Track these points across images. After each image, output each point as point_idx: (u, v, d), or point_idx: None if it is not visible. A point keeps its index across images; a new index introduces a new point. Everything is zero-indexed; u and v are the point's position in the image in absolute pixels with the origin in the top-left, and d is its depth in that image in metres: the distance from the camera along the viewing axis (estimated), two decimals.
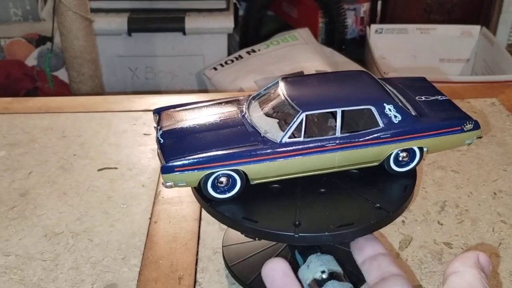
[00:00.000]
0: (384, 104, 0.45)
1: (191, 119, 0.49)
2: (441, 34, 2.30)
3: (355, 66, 2.06)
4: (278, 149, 0.43)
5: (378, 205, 0.44)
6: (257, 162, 0.43)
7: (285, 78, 0.49)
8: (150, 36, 1.99)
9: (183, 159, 0.43)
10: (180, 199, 0.65)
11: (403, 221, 0.62)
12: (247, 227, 0.43)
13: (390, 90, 0.50)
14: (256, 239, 0.44)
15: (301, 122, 0.43)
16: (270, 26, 2.46)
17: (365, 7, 2.44)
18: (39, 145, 0.77)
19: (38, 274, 0.55)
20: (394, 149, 0.46)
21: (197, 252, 0.58)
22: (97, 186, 0.68)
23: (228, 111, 0.49)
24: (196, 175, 0.43)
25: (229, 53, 2.02)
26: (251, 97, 0.51)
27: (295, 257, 0.45)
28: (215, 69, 1.88)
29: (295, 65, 1.77)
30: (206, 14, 1.98)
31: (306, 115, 0.44)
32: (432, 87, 0.54)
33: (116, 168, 0.72)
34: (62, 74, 1.90)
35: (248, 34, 2.31)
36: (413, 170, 0.48)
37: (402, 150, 0.46)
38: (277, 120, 0.46)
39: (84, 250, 0.58)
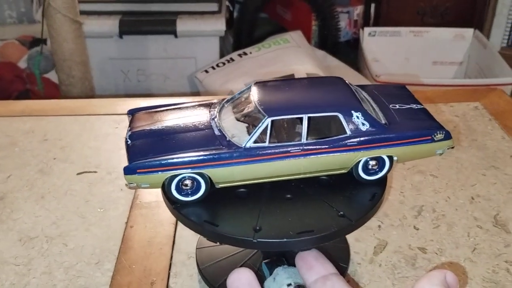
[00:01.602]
0: (352, 112, 0.45)
1: (161, 121, 0.49)
2: (434, 37, 2.31)
3: (347, 69, 2.06)
4: (242, 154, 0.43)
5: (342, 213, 0.43)
6: (221, 166, 0.43)
7: (258, 83, 0.49)
8: (142, 39, 1.99)
9: (146, 160, 0.43)
10: (157, 204, 0.65)
11: (379, 226, 0.62)
12: (208, 230, 0.43)
13: (364, 97, 0.50)
14: (218, 243, 0.44)
15: (266, 127, 0.43)
16: (264, 29, 2.47)
17: (358, 10, 2.45)
18: (20, 149, 0.77)
19: (11, 279, 0.55)
20: (361, 157, 0.46)
21: (172, 256, 0.58)
22: (75, 190, 0.68)
23: (199, 114, 0.49)
24: (159, 177, 0.43)
25: (223, 56, 2.02)
26: (224, 100, 0.51)
27: (262, 268, 0.45)
28: (207, 71, 1.88)
29: (286, 68, 1.77)
30: (197, 17, 1.98)
31: (272, 120, 0.44)
32: (410, 95, 0.53)
33: (95, 172, 0.72)
34: (54, 76, 1.90)
35: (242, 36, 2.31)
36: (383, 179, 0.48)
37: (371, 158, 0.46)
38: (246, 125, 0.46)
39: (58, 254, 0.58)
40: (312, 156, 0.44)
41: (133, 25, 1.96)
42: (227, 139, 0.44)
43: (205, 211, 0.45)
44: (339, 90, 0.48)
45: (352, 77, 1.99)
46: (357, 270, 0.56)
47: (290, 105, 0.45)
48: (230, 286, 0.38)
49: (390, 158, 0.47)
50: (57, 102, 0.94)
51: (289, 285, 0.40)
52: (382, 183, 0.48)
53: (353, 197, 0.46)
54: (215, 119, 0.47)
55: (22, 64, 2.03)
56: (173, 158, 0.43)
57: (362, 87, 0.52)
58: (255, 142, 0.44)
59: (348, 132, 0.45)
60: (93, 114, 0.87)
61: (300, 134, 0.45)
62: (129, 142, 0.46)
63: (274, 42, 1.95)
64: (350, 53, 2.44)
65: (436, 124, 0.48)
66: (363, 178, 0.47)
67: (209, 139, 0.45)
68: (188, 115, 0.49)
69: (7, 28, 2.57)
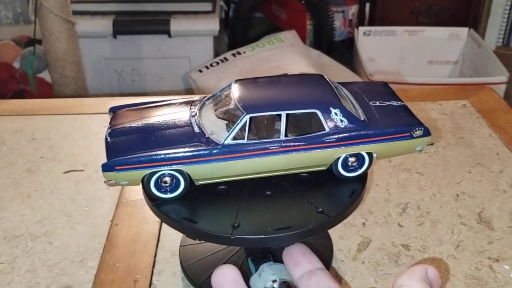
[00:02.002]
0: (330, 108, 0.45)
1: (141, 118, 0.49)
2: (429, 36, 2.31)
3: (342, 69, 2.07)
4: (221, 151, 0.43)
5: (321, 209, 0.44)
6: (199, 163, 0.43)
7: (239, 80, 0.49)
8: (136, 39, 1.99)
9: (124, 158, 0.43)
10: (143, 202, 0.65)
11: (363, 223, 0.62)
12: (187, 227, 0.43)
13: (344, 94, 0.50)
14: (197, 240, 0.44)
15: (244, 124, 0.44)
16: (259, 28, 2.47)
17: (353, 9, 2.45)
18: (7, 148, 0.77)
19: None
20: (340, 153, 0.46)
21: (156, 254, 0.58)
22: (62, 189, 0.68)
23: (179, 111, 0.49)
24: (137, 174, 0.44)
25: (217, 55, 2.02)
26: (205, 98, 0.51)
27: (248, 264, 0.45)
28: (201, 71, 1.88)
29: (280, 68, 1.77)
30: (191, 17, 1.98)
31: (251, 117, 0.44)
32: (391, 92, 0.53)
33: (82, 170, 0.72)
34: (47, 76, 1.90)
35: (237, 36, 2.31)
36: (363, 175, 0.48)
37: (351, 155, 0.46)
38: (226, 122, 0.46)
39: (42, 253, 0.58)
40: (291, 153, 0.45)
41: (127, 25, 1.97)
42: (206, 136, 0.45)
43: (184, 208, 0.45)
44: (319, 87, 0.48)
45: (346, 76, 1.99)
46: (340, 267, 0.56)
47: (268, 102, 0.46)
48: (215, 283, 0.38)
49: (370, 154, 0.47)
50: (47, 101, 0.94)
51: (274, 281, 0.40)
52: (362, 179, 0.48)
53: (333, 194, 0.46)
54: (195, 117, 0.47)
55: (17, 64, 2.03)
56: (151, 155, 0.43)
57: (343, 84, 0.53)
58: (234, 139, 0.44)
59: (327, 129, 0.45)
60: (83, 113, 0.87)
61: (279, 131, 0.45)
62: (109, 139, 0.46)
63: (268, 42, 1.95)
64: (345, 52, 2.44)
65: (415, 121, 0.48)
66: (342, 175, 0.47)
67: (188, 136, 0.45)
68: (168, 112, 0.49)
69: (3, 28, 2.57)
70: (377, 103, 0.50)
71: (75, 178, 0.71)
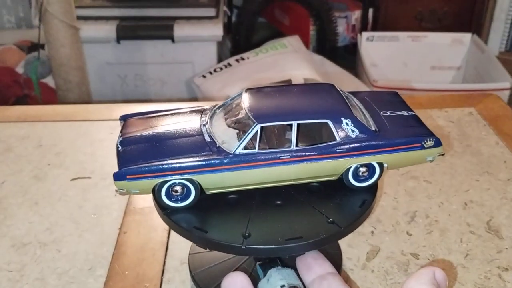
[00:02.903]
0: (342, 118, 0.45)
1: (152, 127, 0.49)
2: (432, 42, 2.31)
3: (345, 74, 2.07)
4: (232, 160, 0.43)
5: (331, 219, 0.43)
6: (210, 172, 0.43)
7: (249, 89, 0.49)
8: (139, 44, 2.00)
9: (135, 167, 0.43)
10: (151, 210, 0.65)
11: (372, 232, 0.62)
12: (197, 236, 0.43)
13: (355, 104, 0.50)
14: (208, 249, 0.44)
15: (255, 134, 0.44)
16: (262, 33, 2.47)
17: (356, 14, 2.45)
18: (14, 154, 0.77)
19: (3, 285, 0.55)
20: (351, 163, 0.46)
21: (164, 262, 0.58)
22: (69, 196, 0.68)
23: (190, 120, 0.49)
24: (148, 183, 0.44)
25: (220, 61, 2.03)
26: (216, 107, 0.51)
27: (256, 269, 0.45)
28: (204, 77, 1.88)
29: (283, 73, 1.77)
30: (195, 22, 1.98)
31: (262, 127, 0.44)
32: (401, 102, 0.53)
33: (89, 177, 0.72)
34: (51, 81, 1.90)
35: (240, 41, 2.32)
36: (374, 186, 0.48)
37: (362, 165, 0.46)
38: (237, 131, 0.46)
39: (51, 260, 0.58)
40: (302, 163, 0.44)
41: (130, 30, 1.97)
42: (217, 145, 0.45)
43: (195, 217, 0.45)
44: (330, 97, 0.48)
45: (350, 82, 1.99)
46: (349, 276, 0.56)
47: (279, 112, 0.46)
48: None
49: (381, 165, 0.47)
50: (52, 107, 0.94)
51: (282, 286, 0.40)
52: (372, 189, 0.48)
53: (343, 204, 0.46)
54: (206, 125, 0.47)
55: (20, 69, 2.03)
56: (162, 165, 0.43)
57: (354, 93, 0.52)
58: (245, 148, 0.44)
59: (338, 139, 0.45)
60: (89, 120, 0.87)
61: (290, 141, 0.45)
62: (120, 148, 0.46)
63: (272, 47, 1.95)
64: (348, 58, 2.44)
65: (426, 131, 0.48)
66: (353, 185, 0.47)
67: (199, 145, 0.45)
68: (179, 121, 0.49)
69: (6, 33, 2.58)
70: (388, 113, 0.50)
71: (82, 186, 0.71)
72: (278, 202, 0.46)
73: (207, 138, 0.46)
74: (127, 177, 0.43)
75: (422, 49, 2.32)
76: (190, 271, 0.54)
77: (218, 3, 2.08)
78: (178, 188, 0.44)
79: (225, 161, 0.43)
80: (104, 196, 0.69)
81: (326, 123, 0.45)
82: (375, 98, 0.53)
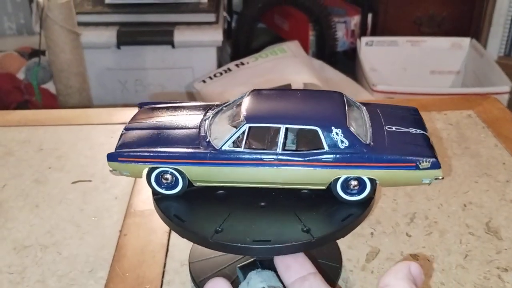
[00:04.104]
0: (332, 127, 0.44)
1: (159, 116, 0.51)
2: (431, 46, 2.32)
3: (345, 79, 2.07)
4: (216, 156, 0.45)
5: (307, 228, 0.43)
6: (195, 165, 0.45)
7: (256, 90, 0.50)
8: (139, 49, 2.00)
9: (127, 150, 0.46)
10: (151, 212, 0.66)
11: (371, 233, 0.62)
12: (175, 224, 0.44)
13: (360, 115, 0.48)
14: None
15: (243, 133, 0.44)
16: (262, 39, 2.48)
17: (355, 19, 2.46)
18: (15, 158, 0.77)
19: None
20: (339, 175, 0.45)
21: (165, 264, 0.58)
22: (70, 199, 0.69)
23: (196, 114, 0.50)
24: (138, 168, 0.46)
25: (220, 66, 2.03)
26: (224, 104, 0.51)
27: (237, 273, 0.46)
28: (204, 81, 1.89)
29: (283, 78, 1.78)
30: (195, 28, 1.99)
31: (251, 127, 0.45)
32: (416, 119, 0.50)
33: (90, 181, 0.72)
34: (52, 87, 1.91)
35: (240, 46, 2.32)
36: (366, 201, 0.46)
37: (353, 179, 0.45)
38: (233, 129, 0.47)
39: (52, 263, 0.58)
40: (287, 167, 0.44)
41: (130, 35, 1.98)
42: (208, 139, 0.46)
43: (179, 206, 0.47)
44: (331, 105, 0.47)
45: (349, 86, 2.00)
46: (349, 277, 0.56)
47: (270, 114, 0.46)
48: None
49: (372, 180, 0.45)
50: (53, 112, 0.95)
51: None
52: (364, 205, 0.46)
53: (327, 215, 0.45)
54: (207, 120, 0.49)
55: (21, 75, 2.04)
56: (152, 152, 0.46)
57: (367, 105, 0.51)
58: (234, 146, 0.45)
59: (326, 148, 0.44)
60: (89, 124, 0.88)
61: (280, 144, 0.45)
62: (123, 132, 0.49)
63: (271, 52, 1.96)
64: (348, 62, 2.45)
65: (426, 152, 0.45)
66: (342, 197, 0.46)
67: (191, 138, 0.47)
68: (185, 113, 0.51)
69: (7, 39, 2.59)
70: (393, 128, 0.48)
71: (83, 189, 0.71)
72: (263, 203, 0.46)
73: (202, 132, 0.47)
74: (119, 159, 0.46)
75: (421, 53, 2.33)
76: (194, 280, 0.54)
77: (218, 8, 2.09)
78: (168, 176, 0.46)
79: (209, 155, 0.45)
80: (105, 199, 0.69)
81: (316, 131, 0.44)
82: (388, 112, 0.51)
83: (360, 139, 0.44)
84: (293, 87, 1.74)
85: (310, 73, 1.85)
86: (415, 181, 0.45)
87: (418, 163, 0.44)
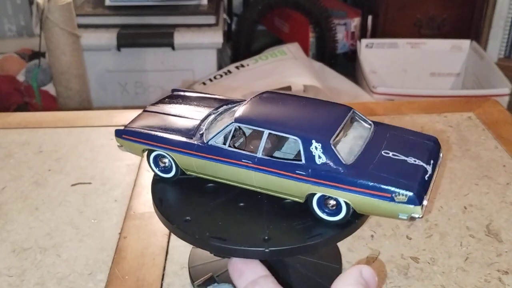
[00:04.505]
0: (313, 141, 0.42)
1: (179, 104, 0.53)
2: (431, 49, 2.32)
3: (345, 81, 2.07)
4: (200, 148, 0.46)
5: (267, 237, 0.42)
6: (184, 154, 0.47)
7: (267, 92, 0.50)
8: (140, 51, 2.00)
9: (132, 129, 0.49)
10: (150, 214, 0.66)
11: (372, 236, 0.62)
12: (156, 206, 0.47)
13: (357, 134, 0.46)
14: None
15: (230, 131, 0.45)
16: (262, 41, 2.48)
17: (355, 22, 2.46)
18: (15, 160, 0.77)
19: None
20: (313, 190, 0.43)
21: (164, 267, 0.58)
22: (69, 201, 0.69)
23: (210, 106, 0.52)
24: (136, 147, 0.50)
25: (220, 68, 2.03)
26: (241, 101, 0.52)
27: None
28: (204, 84, 1.89)
29: (283, 80, 1.78)
30: (195, 30, 1.99)
31: (237, 126, 0.46)
32: (429, 149, 0.46)
33: (90, 183, 0.72)
34: (52, 89, 1.90)
35: (240, 49, 2.32)
36: (344, 225, 0.43)
37: (331, 198, 0.43)
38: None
39: (51, 265, 0.58)
40: (263, 173, 0.44)
41: (130, 38, 1.98)
42: (201, 132, 0.47)
43: (166, 190, 0.49)
44: (326, 118, 0.45)
45: (349, 89, 2.00)
46: None
47: (258, 118, 0.45)
48: None
49: (348, 204, 0.43)
50: (53, 114, 0.95)
51: None
52: (339, 227, 0.44)
53: (297, 229, 0.44)
54: (214, 115, 0.49)
55: (21, 77, 2.04)
56: (149, 135, 0.48)
57: (380, 124, 0.48)
58: (222, 143, 0.45)
59: (303, 161, 0.43)
60: (89, 126, 0.88)
61: (265, 148, 0.45)
62: (141, 113, 0.52)
63: (271, 54, 1.96)
64: (348, 65, 2.45)
65: (407, 185, 0.41)
66: (317, 215, 0.44)
67: (189, 128, 0.48)
68: (201, 105, 0.52)
69: (7, 41, 2.59)
70: (390, 154, 0.44)
71: (82, 191, 0.71)
72: (242, 204, 0.46)
73: (201, 125, 0.48)
74: (123, 136, 0.50)
75: (421, 55, 2.33)
76: (194, 284, 0.54)
77: (218, 11, 2.09)
78: (166, 160, 0.49)
79: (195, 147, 0.46)
80: (104, 201, 0.69)
81: (297, 141, 0.43)
82: (398, 136, 0.47)
83: (340, 158, 0.42)
84: (293, 89, 1.74)
85: (310, 75, 1.85)
86: (391, 214, 0.42)
87: (393, 194, 0.40)
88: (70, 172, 0.75)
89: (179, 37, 1.97)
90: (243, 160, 0.44)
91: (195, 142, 0.46)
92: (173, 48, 1.97)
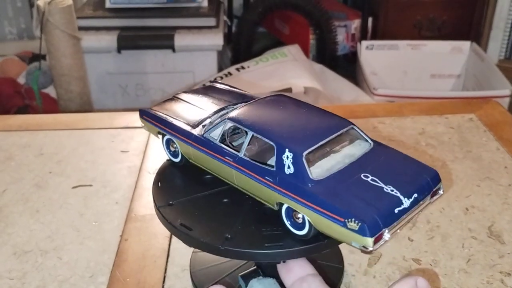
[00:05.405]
0: (286, 150, 0.41)
1: (206, 95, 0.54)
2: (431, 50, 2.32)
3: (345, 82, 2.07)
4: (196, 139, 0.47)
5: (229, 236, 0.42)
6: (183, 142, 0.49)
7: (278, 94, 0.50)
8: (140, 54, 2.00)
9: (151, 111, 0.52)
10: (152, 217, 0.65)
11: None
12: (154, 188, 0.49)
13: (345, 152, 0.44)
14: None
15: (223, 127, 0.46)
16: (263, 43, 2.48)
17: (356, 23, 2.46)
18: (16, 163, 0.77)
19: None
20: (278, 199, 0.42)
21: (166, 269, 0.58)
22: (70, 204, 0.68)
23: (231, 101, 0.52)
24: (152, 128, 0.53)
25: (221, 70, 2.03)
26: (254, 99, 0.51)
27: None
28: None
29: (283, 82, 1.78)
30: (195, 32, 1.99)
31: (230, 124, 0.46)
32: (418, 181, 0.42)
33: (91, 185, 0.72)
34: (52, 91, 1.90)
35: (240, 50, 2.32)
36: (310, 241, 0.41)
37: (296, 210, 0.41)
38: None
39: (52, 268, 0.58)
40: (240, 173, 0.44)
41: (131, 40, 1.98)
42: (204, 124, 0.48)
43: (170, 174, 0.51)
44: (314, 129, 0.44)
45: (349, 90, 2.00)
46: (351, 282, 0.56)
47: (249, 119, 0.45)
48: None
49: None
50: (53, 116, 0.94)
51: None
52: (303, 243, 0.42)
53: (264, 235, 0.43)
54: (227, 109, 0.50)
55: (21, 79, 2.04)
56: (161, 117, 0.51)
57: (381, 146, 0.46)
58: (220, 138, 0.46)
59: (275, 168, 0.42)
60: (89, 128, 0.87)
61: (250, 149, 0.45)
62: (170, 97, 0.54)
63: (272, 56, 1.96)
64: (348, 66, 2.45)
65: (364, 213, 0.38)
66: (286, 226, 0.43)
67: (197, 118, 0.49)
68: (225, 99, 0.53)
69: (7, 44, 2.59)
70: (369, 178, 0.41)
71: (83, 193, 0.71)
72: (226, 200, 0.47)
73: (209, 116, 0.49)
74: (143, 116, 0.53)
75: (421, 57, 2.33)
76: (195, 285, 0.54)
77: (218, 13, 2.10)
78: (175, 145, 0.51)
79: (193, 137, 0.48)
80: (105, 203, 0.69)
81: (273, 147, 0.42)
82: (390, 161, 0.44)
83: (308, 172, 0.41)
84: (294, 91, 1.73)
85: (311, 77, 1.85)
86: (345, 239, 0.39)
87: (346, 220, 0.38)
88: (71, 175, 0.75)
89: (180, 39, 1.97)
90: (226, 157, 0.45)
91: (194, 133, 0.48)
92: (173, 50, 1.98)
